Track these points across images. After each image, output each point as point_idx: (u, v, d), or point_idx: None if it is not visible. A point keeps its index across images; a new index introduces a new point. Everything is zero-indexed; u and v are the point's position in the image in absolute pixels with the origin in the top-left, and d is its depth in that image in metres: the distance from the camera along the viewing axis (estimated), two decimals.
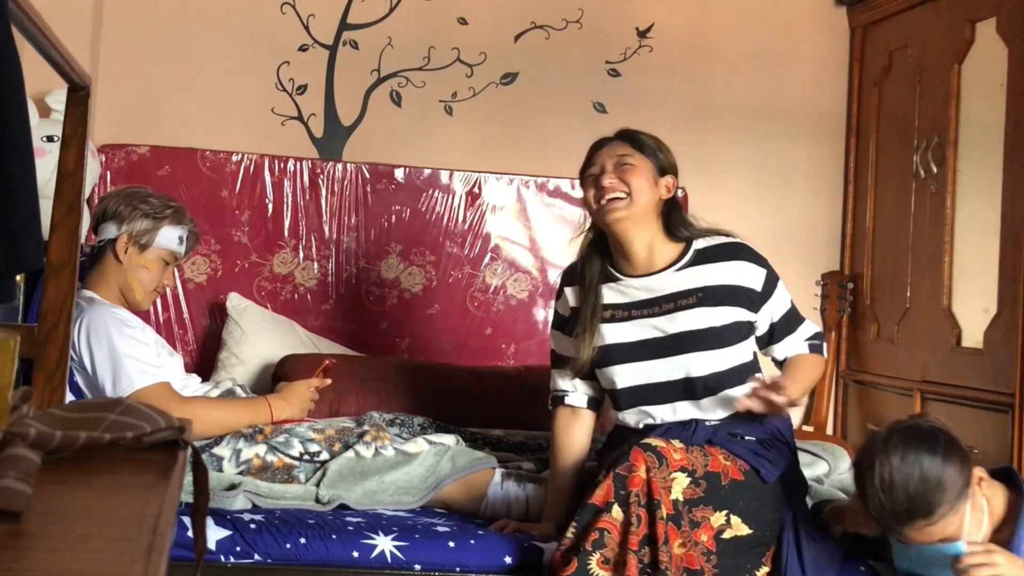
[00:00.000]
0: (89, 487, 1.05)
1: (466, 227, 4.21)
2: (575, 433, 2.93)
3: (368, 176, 4.14)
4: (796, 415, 3.86)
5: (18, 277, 2.98)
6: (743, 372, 2.80)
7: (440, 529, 2.79)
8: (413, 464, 2.98)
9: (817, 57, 4.51)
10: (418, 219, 4.18)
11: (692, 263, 2.84)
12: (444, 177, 4.20)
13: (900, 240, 4.15)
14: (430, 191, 4.19)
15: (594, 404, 2.96)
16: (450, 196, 4.20)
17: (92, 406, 1.18)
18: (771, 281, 2.87)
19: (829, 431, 4.40)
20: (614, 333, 2.84)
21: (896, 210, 4.19)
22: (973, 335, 3.70)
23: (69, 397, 2.56)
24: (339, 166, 4.13)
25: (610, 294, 2.87)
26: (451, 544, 2.73)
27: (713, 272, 2.83)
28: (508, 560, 2.73)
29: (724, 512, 2.58)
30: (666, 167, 2.89)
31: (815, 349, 2.93)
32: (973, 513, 2.49)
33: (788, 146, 4.45)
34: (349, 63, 4.23)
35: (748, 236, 3.00)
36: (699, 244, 2.87)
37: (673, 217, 2.88)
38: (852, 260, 4.48)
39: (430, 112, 4.28)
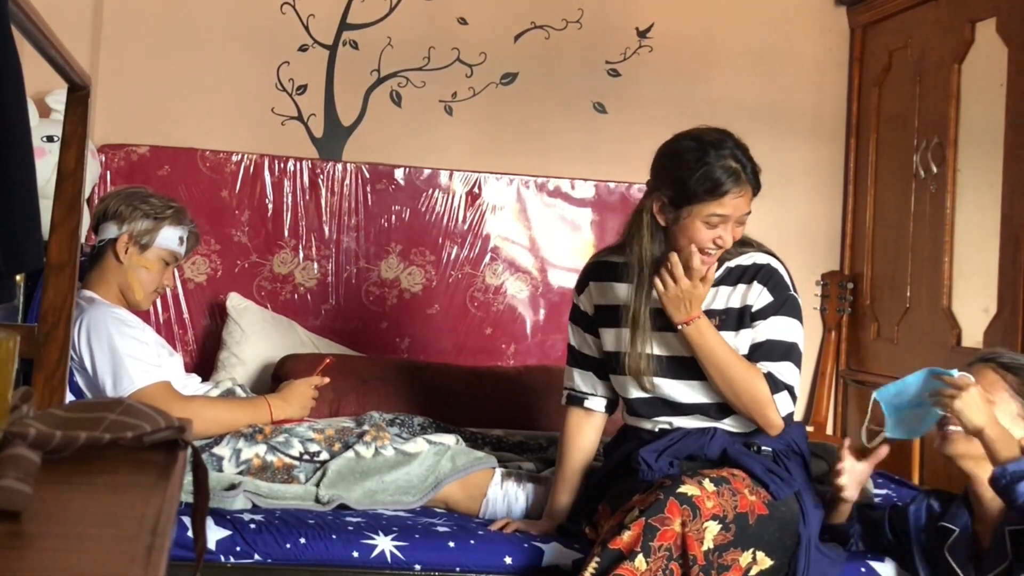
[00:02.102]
0: (89, 487, 1.05)
1: (466, 227, 4.21)
2: (586, 433, 2.89)
3: (368, 176, 4.15)
4: (797, 415, 3.85)
5: (18, 277, 2.98)
6: None
7: (440, 529, 2.79)
8: (413, 464, 2.97)
9: (817, 57, 4.51)
10: (418, 219, 4.18)
11: (720, 282, 2.72)
12: (444, 177, 4.20)
13: (900, 240, 4.15)
14: (430, 191, 4.19)
15: (611, 407, 2.90)
16: (450, 196, 4.20)
17: (92, 406, 1.18)
18: (774, 308, 2.68)
19: (829, 431, 4.40)
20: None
21: (896, 210, 4.19)
22: (973, 335, 3.70)
23: (69, 397, 2.56)
24: (339, 166, 4.13)
25: None
26: (451, 544, 2.72)
27: (736, 294, 2.71)
28: (508, 560, 2.73)
29: (751, 550, 2.52)
30: None
31: (772, 386, 2.64)
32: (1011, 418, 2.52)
33: (788, 146, 4.45)
34: (349, 63, 4.23)
35: (748, 236, 2.89)
36: (732, 262, 2.72)
37: None
38: (852, 260, 4.48)
39: (430, 112, 4.28)
